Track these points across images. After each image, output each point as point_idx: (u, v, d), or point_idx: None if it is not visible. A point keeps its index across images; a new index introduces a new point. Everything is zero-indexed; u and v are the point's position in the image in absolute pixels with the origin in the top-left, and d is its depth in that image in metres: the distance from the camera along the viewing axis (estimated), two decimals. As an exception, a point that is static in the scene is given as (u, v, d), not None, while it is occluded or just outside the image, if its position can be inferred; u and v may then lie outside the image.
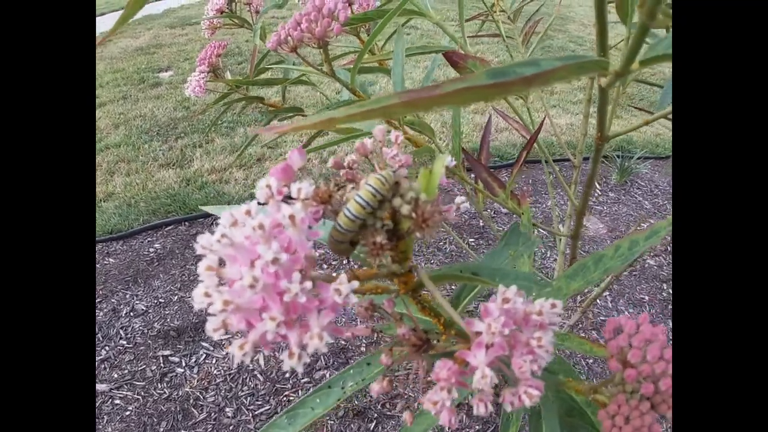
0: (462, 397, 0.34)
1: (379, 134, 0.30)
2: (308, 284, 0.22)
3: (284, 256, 0.21)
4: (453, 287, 0.40)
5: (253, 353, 0.23)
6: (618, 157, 3.15)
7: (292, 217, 0.22)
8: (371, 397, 1.81)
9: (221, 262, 0.24)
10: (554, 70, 0.30)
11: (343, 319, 2.08)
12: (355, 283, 0.23)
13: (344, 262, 0.30)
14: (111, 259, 2.50)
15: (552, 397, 0.42)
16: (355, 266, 0.31)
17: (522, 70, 0.29)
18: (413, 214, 0.25)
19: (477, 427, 1.75)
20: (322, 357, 1.98)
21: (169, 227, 2.69)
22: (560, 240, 1.24)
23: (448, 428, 0.25)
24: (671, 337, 0.28)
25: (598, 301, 2.30)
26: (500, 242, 0.38)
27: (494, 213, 2.75)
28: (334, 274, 0.24)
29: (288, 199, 0.25)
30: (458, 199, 0.31)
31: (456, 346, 0.28)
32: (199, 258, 0.24)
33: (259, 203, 0.24)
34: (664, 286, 2.37)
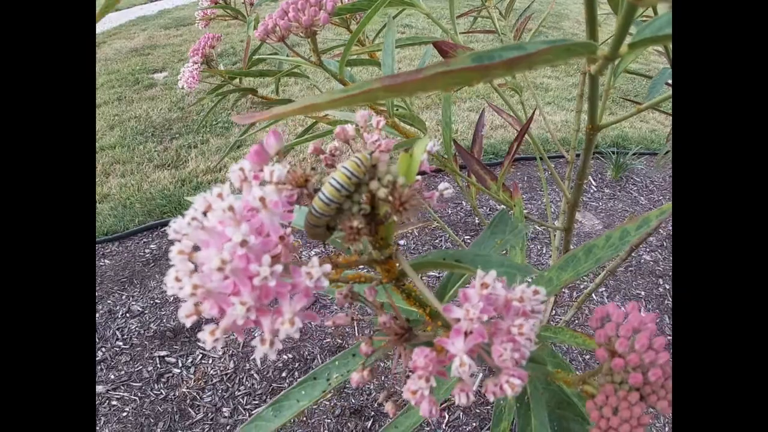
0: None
1: (360, 120, 0.29)
2: (278, 267, 0.21)
3: (252, 238, 0.21)
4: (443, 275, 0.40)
5: (225, 339, 0.22)
6: (613, 153, 3.15)
7: (263, 200, 0.22)
8: (368, 395, 1.80)
9: (196, 247, 0.23)
10: (539, 52, 0.30)
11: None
12: (327, 267, 0.22)
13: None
14: (107, 261, 2.49)
15: (541, 388, 0.42)
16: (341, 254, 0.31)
17: (506, 53, 0.29)
18: (390, 198, 0.24)
19: (474, 423, 1.74)
20: (319, 355, 1.97)
21: (165, 228, 2.68)
22: (554, 236, 1.23)
23: (430, 419, 0.24)
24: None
25: (594, 296, 2.29)
26: (487, 230, 0.37)
27: (490, 210, 2.75)
28: (313, 257, 0.23)
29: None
30: (441, 185, 0.30)
31: (441, 336, 0.27)
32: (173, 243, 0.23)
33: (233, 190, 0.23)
34: (660, 281, 2.37)
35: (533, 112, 0.81)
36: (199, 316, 0.21)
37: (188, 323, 0.21)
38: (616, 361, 0.29)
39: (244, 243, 0.21)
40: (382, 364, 0.29)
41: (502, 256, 0.29)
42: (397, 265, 0.28)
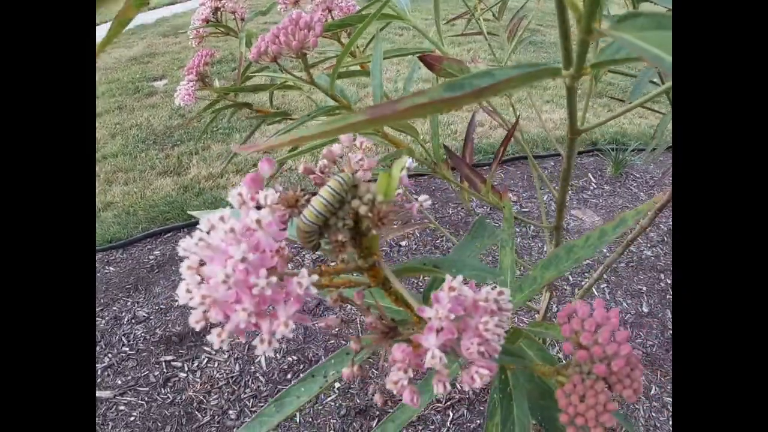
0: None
1: (345, 140, 0.32)
2: (273, 279, 0.25)
3: (251, 255, 0.24)
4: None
5: (230, 341, 0.25)
6: (612, 149, 3.18)
7: (259, 222, 0.25)
8: (372, 395, 1.84)
9: (202, 262, 0.27)
10: (507, 80, 0.33)
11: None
12: (315, 277, 0.26)
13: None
14: (111, 268, 2.52)
15: (524, 380, 0.45)
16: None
17: (477, 81, 0.32)
18: (370, 214, 0.27)
19: (478, 421, 1.77)
20: (323, 357, 2.00)
21: (168, 234, 2.72)
22: (548, 236, 1.26)
23: (412, 406, 0.27)
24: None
25: (595, 292, 2.32)
26: (467, 235, 0.41)
27: (490, 210, 2.78)
28: (303, 269, 0.26)
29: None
30: (422, 197, 0.34)
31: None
32: (183, 260, 0.26)
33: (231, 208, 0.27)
34: (662, 276, 2.39)
35: (516, 119, 0.84)
36: (207, 322, 0.25)
37: (198, 328, 0.25)
38: (580, 353, 0.32)
39: (244, 259, 0.25)
40: (373, 362, 0.32)
41: (476, 260, 0.32)
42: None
